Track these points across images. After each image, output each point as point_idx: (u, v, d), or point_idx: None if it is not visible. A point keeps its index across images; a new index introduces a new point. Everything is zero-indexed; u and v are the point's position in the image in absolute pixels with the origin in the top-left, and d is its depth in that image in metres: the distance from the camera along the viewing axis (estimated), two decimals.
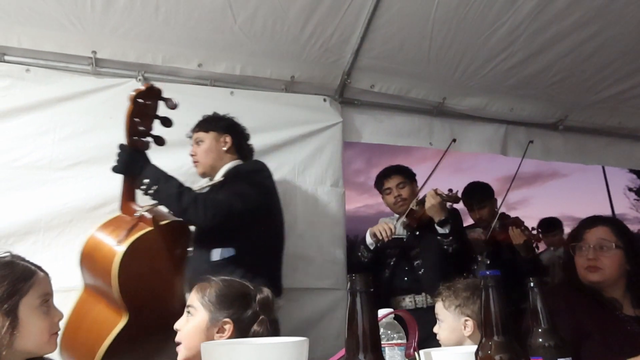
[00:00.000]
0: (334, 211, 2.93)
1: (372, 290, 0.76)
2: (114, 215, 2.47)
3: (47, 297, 1.27)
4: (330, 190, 2.94)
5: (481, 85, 3.23)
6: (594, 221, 1.94)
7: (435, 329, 1.75)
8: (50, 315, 1.27)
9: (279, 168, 2.85)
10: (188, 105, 2.72)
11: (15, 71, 2.52)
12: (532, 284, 1.12)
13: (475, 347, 0.98)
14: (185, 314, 1.40)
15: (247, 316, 1.34)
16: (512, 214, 3.30)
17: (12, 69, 2.51)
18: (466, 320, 1.65)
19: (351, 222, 3.28)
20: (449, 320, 1.69)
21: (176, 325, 1.39)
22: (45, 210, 2.40)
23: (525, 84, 3.27)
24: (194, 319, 1.37)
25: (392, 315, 1.21)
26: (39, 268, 1.31)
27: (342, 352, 0.81)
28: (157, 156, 2.58)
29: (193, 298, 1.39)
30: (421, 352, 1.10)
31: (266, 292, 1.40)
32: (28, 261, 1.30)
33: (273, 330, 1.35)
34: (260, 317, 1.34)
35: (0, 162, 2.40)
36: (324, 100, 3.04)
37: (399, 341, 1.23)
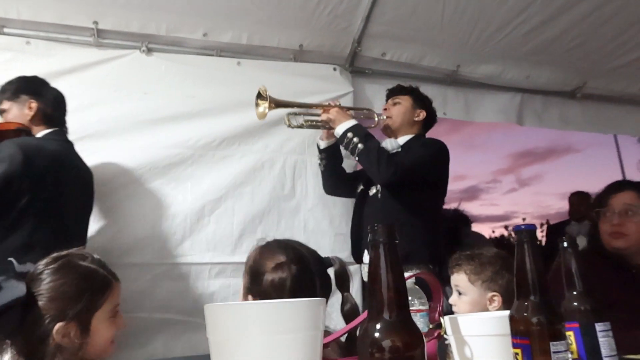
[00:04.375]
0: None
1: (396, 241, 0.69)
2: (122, 190, 2.43)
3: (117, 307, 1.25)
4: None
5: (496, 51, 3.10)
6: (620, 186, 1.86)
7: (452, 300, 1.68)
8: (115, 324, 1.25)
9: (289, 140, 2.78)
10: (194, 77, 2.67)
11: (16, 44, 2.45)
12: (565, 244, 1.05)
13: (505, 312, 0.91)
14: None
15: (268, 293, 1.19)
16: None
17: (12, 41, 2.45)
18: (493, 296, 1.58)
19: None
20: (472, 294, 1.61)
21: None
22: None
23: (542, 49, 3.14)
24: (242, 288, 1.31)
25: (413, 279, 1.14)
26: (114, 276, 1.26)
27: (364, 315, 0.75)
28: (164, 128, 2.54)
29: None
30: (446, 318, 1.04)
31: (295, 268, 1.21)
32: (105, 267, 1.26)
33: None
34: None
35: None
36: (334, 69, 2.94)
37: (421, 307, 1.16)
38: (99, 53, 2.56)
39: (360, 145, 2.23)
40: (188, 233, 2.50)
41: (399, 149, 2.38)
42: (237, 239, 2.58)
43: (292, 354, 0.66)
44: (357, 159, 2.29)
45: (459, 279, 1.64)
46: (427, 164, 2.28)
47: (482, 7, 2.79)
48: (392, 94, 2.59)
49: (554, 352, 0.77)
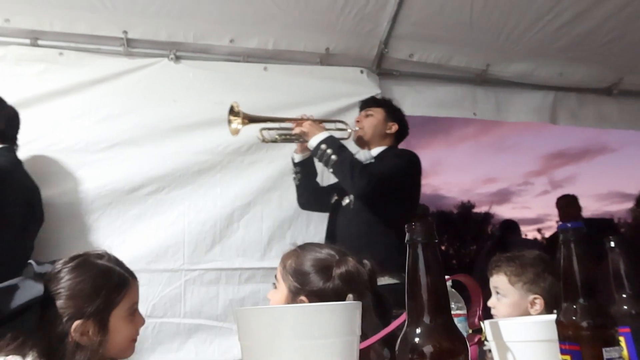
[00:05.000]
0: None
1: (436, 240, 0.65)
2: (152, 196, 2.45)
3: (134, 305, 1.25)
4: None
5: (527, 49, 3.02)
6: None
7: (491, 303, 1.63)
8: (134, 323, 1.24)
9: None
10: (221, 83, 2.68)
11: (49, 55, 2.51)
12: (612, 244, 0.99)
13: (550, 316, 0.87)
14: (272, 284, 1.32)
15: (326, 292, 1.17)
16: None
17: (46, 53, 2.50)
18: (535, 299, 1.52)
19: None
20: (512, 297, 1.56)
21: (268, 295, 1.31)
22: (84, 194, 2.39)
23: (575, 45, 3.04)
24: (278, 292, 1.27)
25: (450, 283, 1.09)
26: (131, 274, 1.27)
27: (403, 317, 0.71)
28: (193, 135, 2.56)
29: (278, 268, 1.29)
30: (487, 322, 0.99)
31: (351, 265, 1.21)
32: (122, 265, 1.26)
33: (375, 305, 1.18)
34: (347, 294, 1.16)
35: (38, 146, 2.39)
36: (361, 72, 2.92)
37: (459, 312, 1.12)
38: (128, 62, 2.60)
39: (333, 157, 2.23)
40: (218, 239, 2.50)
41: (372, 160, 2.39)
42: (267, 244, 2.57)
43: (329, 359, 0.63)
44: (331, 170, 2.28)
45: (498, 280, 1.59)
46: (399, 174, 2.29)
47: (511, 3, 2.72)
48: (365, 105, 2.58)
49: (607, 359, 0.72)
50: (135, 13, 2.49)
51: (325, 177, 2.57)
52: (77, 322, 1.11)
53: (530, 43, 2.98)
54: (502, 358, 0.97)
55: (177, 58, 2.65)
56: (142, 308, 2.31)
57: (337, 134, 2.41)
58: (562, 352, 0.79)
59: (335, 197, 2.47)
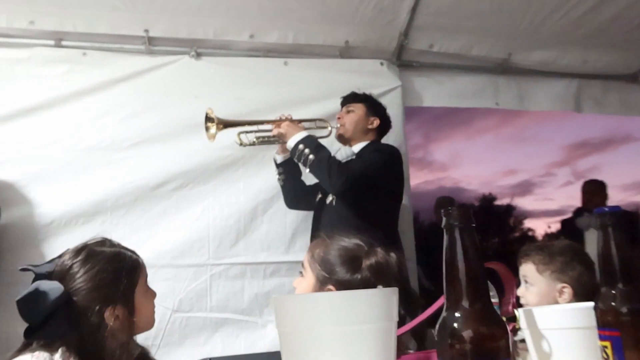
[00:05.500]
0: None
1: (473, 224, 0.65)
2: (177, 193, 2.48)
3: (146, 279, 1.29)
4: None
5: (550, 36, 2.97)
6: None
7: (520, 292, 1.61)
8: (152, 296, 1.28)
9: None
10: (242, 78, 2.69)
11: (73, 55, 2.54)
12: None
13: (587, 303, 0.85)
14: (299, 273, 1.32)
15: (354, 282, 1.17)
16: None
17: (70, 53, 2.54)
18: (563, 287, 1.51)
19: (411, 199, 3.12)
20: (540, 285, 1.54)
21: (294, 283, 1.31)
22: (110, 191, 2.42)
23: (600, 31, 2.98)
24: (304, 280, 1.27)
25: None
26: (134, 252, 1.30)
27: (440, 302, 0.71)
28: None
29: (305, 257, 1.29)
30: (520, 310, 0.98)
31: (380, 256, 1.20)
32: (125, 247, 1.29)
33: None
34: (376, 285, 1.16)
35: (65, 145, 2.44)
36: (381, 64, 2.90)
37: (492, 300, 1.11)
38: (150, 60, 2.62)
39: (311, 157, 2.20)
40: (242, 233, 2.52)
41: (353, 157, 2.36)
42: (290, 238, 2.59)
43: (366, 346, 0.63)
44: (308, 170, 2.25)
45: (526, 269, 1.58)
46: (378, 170, 2.25)
47: None
48: (345, 101, 2.53)
49: None
50: (155, 11, 2.51)
51: (311, 175, 2.55)
52: (108, 310, 1.13)
53: (553, 30, 2.92)
54: (536, 346, 0.95)
55: (198, 55, 2.67)
56: (169, 303, 2.36)
57: (317, 133, 2.40)
58: (602, 338, 0.77)
59: (320, 196, 2.43)
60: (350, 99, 2.52)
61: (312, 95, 2.74)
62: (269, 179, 2.61)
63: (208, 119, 2.30)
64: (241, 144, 2.42)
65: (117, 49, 2.60)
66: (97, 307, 1.13)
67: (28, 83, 2.47)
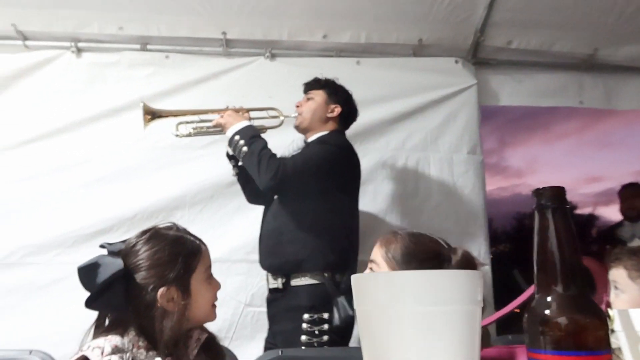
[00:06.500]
0: (472, 180, 2.72)
1: (567, 205, 0.60)
2: None
3: (209, 269, 1.29)
4: (467, 158, 2.73)
5: None
6: None
7: (611, 298, 1.49)
8: (212, 286, 1.28)
9: (410, 137, 2.72)
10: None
11: (157, 59, 2.69)
12: None
13: None
14: (368, 269, 1.31)
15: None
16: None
17: (154, 56, 2.69)
18: None
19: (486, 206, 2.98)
20: (632, 292, 1.41)
21: None
22: (189, 187, 2.53)
23: None
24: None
25: None
26: (200, 240, 1.31)
27: (530, 290, 0.67)
28: (289, 129, 2.62)
29: (376, 252, 1.24)
30: (615, 311, 0.91)
31: (461, 253, 1.16)
32: (190, 234, 1.31)
33: None
34: None
35: (147, 144, 2.57)
36: (456, 62, 2.82)
37: None
38: (227, 62, 2.72)
39: (244, 148, 2.01)
40: None
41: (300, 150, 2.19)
42: (361, 238, 2.56)
43: (449, 328, 0.60)
44: (242, 163, 2.08)
45: (617, 274, 1.45)
46: (318, 164, 2.02)
47: None
48: (306, 88, 2.33)
49: None
50: (232, 14, 2.60)
51: None
52: (162, 289, 1.14)
53: None
54: (632, 350, 0.88)
55: (272, 56, 2.74)
56: (242, 297, 2.41)
57: (269, 123, 2.27)
58: None
59: None
60: (311, 85, 2.32)
61: (384, 95, 2.72)
62: None
63: (146, 111, 2.20)
64: (177, 135, 2.26)
65: (197, 52, 2.72)
66: (152, 286, 1.15)
67: (117, 85, 2.65)
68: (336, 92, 2.29)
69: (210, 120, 2.22)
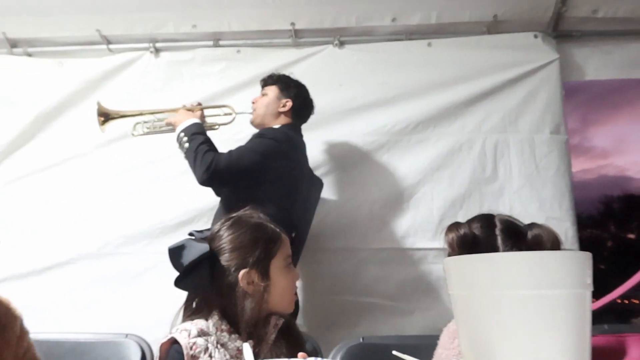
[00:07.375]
0: (556, 162, 2.56)
1: None
2: (325, 178, 2.55)
3: (289, 258, 1.32)
4: (550, 138, 2.57)
5: None
6: None
7: None
8: (291, 275, 1.31)
9: (487, 118, 2.61)
10: (385, 63, 2.69)
11: (229, 53, 2.76)
12: None
13: None
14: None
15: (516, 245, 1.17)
16: None
17: (226, 52, 2.76)
18: None
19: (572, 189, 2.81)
20: None
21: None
22: None
23: None
24: None
25: None
26: (281, 229, 1.35)
27: None
28: (360, 116, 2.60)
29: (450, 239, 1.32)
30: None
31: (539, 227, 1.19)
32: (271, 222, 1.35)
33: None
34: None
35: (222, 137, 2.61)
36: (535, 36, 2.66)
37: None
38: (296, 52, 2.74)
39: (186, 145, 2.04)
40: (388, 219, 2.51)
41: None
42: (438, 225, 2.50)
43: (556, 314, 0.56)
44: (185, 158, 2.08)
45: None
46: (252, 157, 2.02)
47: None
48: (262, 84, 2.37)
49: None
50: (300, 3, 2.61)
51: None
52: (243, 271, 1.20)
53: None
54: None
55: (341, 43, 2.72)
56: (322, 285, 2.43)
57: (222, 120, 2.31)
58: None
59: None
60: (265, 81, 2.38)
61: (458, 76, 2.63)
62: (413, 164, 2.57)
63: (99, 112, 2.27)
64: (133, 134, 2.34)
65: (267, 44, 2.76)
66: (234, 268, 1.21)
67: (192, 82, 2.75)
68: (288, 87, 2.33)
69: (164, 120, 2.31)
